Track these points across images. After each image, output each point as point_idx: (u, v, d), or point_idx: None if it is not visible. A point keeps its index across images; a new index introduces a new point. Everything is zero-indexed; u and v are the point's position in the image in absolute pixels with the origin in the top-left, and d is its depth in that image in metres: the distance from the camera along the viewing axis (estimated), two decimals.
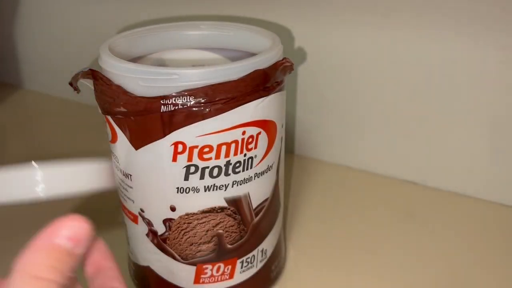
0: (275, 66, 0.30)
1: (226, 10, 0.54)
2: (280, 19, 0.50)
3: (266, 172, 0.32)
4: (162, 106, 0.27)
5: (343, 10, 0.48)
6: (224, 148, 0.29)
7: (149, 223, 0.32)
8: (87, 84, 0.31)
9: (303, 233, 0.44)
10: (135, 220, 0.33)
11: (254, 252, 0.34)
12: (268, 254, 0.35)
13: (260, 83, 0.29)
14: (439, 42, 0.44)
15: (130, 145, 0.30)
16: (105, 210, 0.43)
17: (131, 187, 0.31)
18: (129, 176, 0.31)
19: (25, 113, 0.73)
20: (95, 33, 0.65)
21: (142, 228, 0.33)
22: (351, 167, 0.54)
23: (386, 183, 0.51)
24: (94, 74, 0.29)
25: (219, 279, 0.33)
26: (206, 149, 0.29)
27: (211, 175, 0.30)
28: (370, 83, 0.50)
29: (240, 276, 0.34)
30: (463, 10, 0.42)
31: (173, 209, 0.31)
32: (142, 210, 0.32)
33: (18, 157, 0.58)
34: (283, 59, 0.31)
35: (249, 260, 0.34)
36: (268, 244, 0.35)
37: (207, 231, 0.31)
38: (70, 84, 0.31)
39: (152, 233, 0.32)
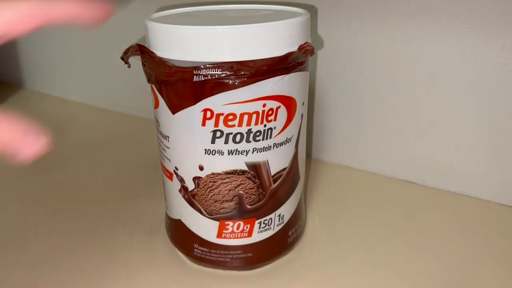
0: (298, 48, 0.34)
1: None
2: None
3: (284, 144, 0.36)
4: (195, 76, 0.32)
5: (343, 11, 0.48)
6: (246, 117, 0.34)
7: (181, 180, 0.37)
8: (134, 61, 0.35)
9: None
10: (170, 177, 0.38)
11: (271, 216, 0.38)
12: (285, 220, 0.39)
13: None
14: (439, 42, 0.44)
15: (168, 110, 0.35)
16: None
17: (168, 148, 0.37)
18: (167, 137, 0.36)
19: (25, 113, 0.78)
20: (95, 33, 0.67)
21: (176, 185, 0.38)
22: (350, 167, 0.55)
23: (386, 183, 0.51)
24: (141, 49, 0.34)
25: (238, 236, 0.38)
26: (231, 117, 0.33)
27: (234, 141, 0.34)
28: (370, 84, 0.50)
29: (258, 235, 0.38)
30: (463, 10, 0.42)
31: (201, 168, 0.36)
32: (176, 168, 0.37)
33: None
34: (304, 43, 0.34)
35: (266, 222, 0.38)
36: (285, 211, 0.39)
37: (229, 190, 0.36)
38: (122, 58, 0.35)
39: (184, 189, 0.37)
